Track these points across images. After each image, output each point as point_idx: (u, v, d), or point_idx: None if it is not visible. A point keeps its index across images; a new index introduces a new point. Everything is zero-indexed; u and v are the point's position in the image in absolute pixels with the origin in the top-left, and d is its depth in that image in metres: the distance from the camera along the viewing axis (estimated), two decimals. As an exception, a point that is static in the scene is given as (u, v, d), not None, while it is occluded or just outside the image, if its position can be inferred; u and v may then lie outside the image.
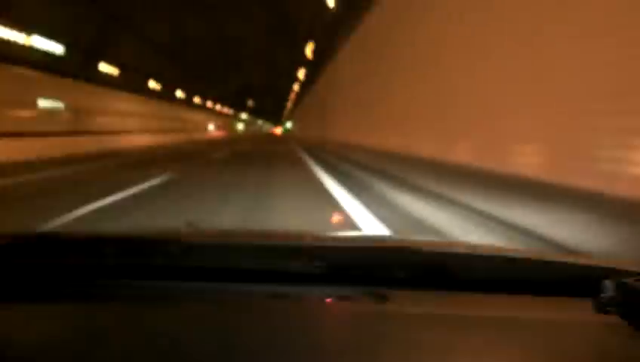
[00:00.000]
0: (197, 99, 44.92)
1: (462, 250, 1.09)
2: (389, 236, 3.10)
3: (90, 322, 0.77)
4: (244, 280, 0.90)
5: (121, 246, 0.99)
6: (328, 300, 0.86)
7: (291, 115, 65.99)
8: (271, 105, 73.04)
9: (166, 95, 33.37)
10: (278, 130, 79.47)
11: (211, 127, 52.38)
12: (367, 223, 4.59)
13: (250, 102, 67.21)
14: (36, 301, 0.84)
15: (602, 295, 0.78)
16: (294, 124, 61.12)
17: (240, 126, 79.48)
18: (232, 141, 34.80)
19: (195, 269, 0.93)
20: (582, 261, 1.02)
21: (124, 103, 25.20)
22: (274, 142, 34.85)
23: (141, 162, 13.73)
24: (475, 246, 1.35)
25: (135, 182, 7.67)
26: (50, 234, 1.33)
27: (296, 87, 45.30)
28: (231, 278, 0.91)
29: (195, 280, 0.91)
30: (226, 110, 62.70)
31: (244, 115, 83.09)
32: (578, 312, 0.82)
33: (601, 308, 0.78)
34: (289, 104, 65.28)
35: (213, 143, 30.33)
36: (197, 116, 45.73)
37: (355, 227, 4.45)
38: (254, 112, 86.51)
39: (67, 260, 0.94)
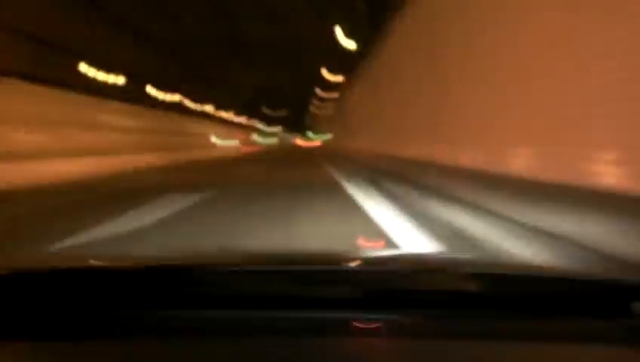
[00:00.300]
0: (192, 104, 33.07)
1: (497, 270, 1.07)
2: (427, 253, 2.92)
3: (122, 355, 0.76)
4: (280, 306, 0.88)
5: (155, 275, 0.97)
6: (373, 326, 0.84)
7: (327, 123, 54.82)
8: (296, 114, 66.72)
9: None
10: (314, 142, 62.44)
11: (216, 139, 39.08)
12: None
13: (267, 110, 62.94)
14: (57, 337, 0.83)
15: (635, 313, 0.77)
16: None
17: (259, 138, 70.18)
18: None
19: (227, 297, 0.90)
20: (611, 277, 1.03)
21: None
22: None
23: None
24: (514, 266, 1.33)
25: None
26: (67, 270, 1.04)
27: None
28: (268, 305, 0.88)
29: (231, 309, 0.87)
30: (241, 119, 53.46)
31: (271, 128, 75.96)
32: (610, 332, 0.79)
33: (631, 332, 0.77)
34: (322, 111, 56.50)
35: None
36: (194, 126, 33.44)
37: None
38: (282, 123, 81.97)
39: (91, 292, 0.91)
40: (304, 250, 2.45)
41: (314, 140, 61.69)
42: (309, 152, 36.07)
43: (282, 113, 66.66)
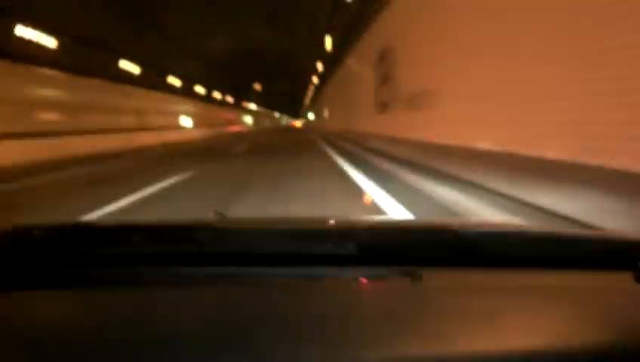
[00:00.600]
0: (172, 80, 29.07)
1: (495, 228, 1.11)
2: (417, 219, 3.05)
3: (125, 307, 0.79)
4: (276, 263, 0.91)
5: (151, 234, 1.03)
6: (362, 280, 0.87)
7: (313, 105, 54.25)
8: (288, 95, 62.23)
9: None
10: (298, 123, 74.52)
11: (185, 121, 31.50)
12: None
13: (257, 86, 54.26)
14: (67, 287, 0.87)
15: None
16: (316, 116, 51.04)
17: (248, 119, 63.18)
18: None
19: (226, 255, 0.94)
20: (617, 235, 1.07)
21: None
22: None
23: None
24: (506, 225, 1.37)
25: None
26: (83, 225, 1.12)
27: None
28: (263, 262, 0.91)
29: (227, 266, 0.91)
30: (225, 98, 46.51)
31: (252, 106, 67.00)
32: (618, 283, 0.83)
33: (637, 284, 0.80)
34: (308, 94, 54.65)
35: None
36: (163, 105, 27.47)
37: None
38: (268, 103, 75.72)
39: (99, 249, 0.97)
40: (300, 216, 2.66)
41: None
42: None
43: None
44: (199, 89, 35.87)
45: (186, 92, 32.41)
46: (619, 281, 0.83)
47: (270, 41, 34.12)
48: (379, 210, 4.36)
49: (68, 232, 1.04)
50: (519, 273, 0.88)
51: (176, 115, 30.10)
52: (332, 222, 1.08)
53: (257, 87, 51.65)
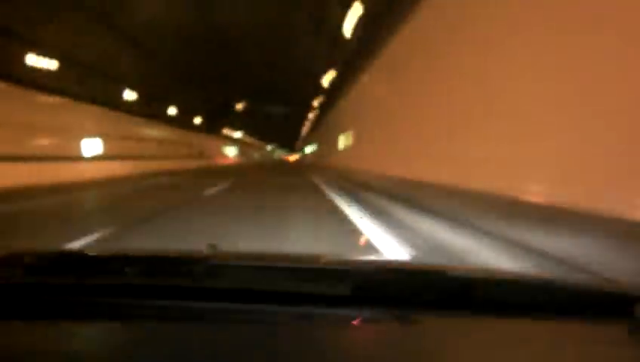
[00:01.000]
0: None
1: (487, 275, 1.09)
2: (411, 261, 3.03)
3: (113, 340, 0.79)
4: (268, 301, 0.90)
5: (146, 265, 1.01)
6: (354, 322, 0.86)
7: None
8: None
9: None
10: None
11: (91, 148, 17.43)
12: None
13: (239, 106, 40.71)
14: (60, 319, 0.86)
15: (637, 316, 0.81)
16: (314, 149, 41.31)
17: (231, 151, 50.38)
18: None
19: (219, 290, 0.93)
20: (611, 284, 1.12)
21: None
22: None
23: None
24: (498, 272, 1.39)
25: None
26: (76, 253, 1.22)
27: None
28: (255, 300, 0.91)
29: (219, 301, 0.91)
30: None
31: (237, 134, 54.06)
32: (613, 333, 0.82)
33: (632, 333, 0.79)
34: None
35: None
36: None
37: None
38: (258, 132, 63.33)
39: (92, 279, 0.95)
40: (293, 252, 2.73)
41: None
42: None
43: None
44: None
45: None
46: (613, 331, 0.82)
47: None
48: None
49: (59, 260, 1.05)
50: (511, 320, 0.87)
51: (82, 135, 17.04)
52: (326, 260, 1.09)
53: (239, 106, 39.42)
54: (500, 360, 0.73)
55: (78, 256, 1.08)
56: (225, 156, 44.78)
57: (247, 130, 54.12)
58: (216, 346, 0.74)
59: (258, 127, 53.88)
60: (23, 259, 1.01)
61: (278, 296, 0.91)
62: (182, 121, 30.30)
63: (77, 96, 15.94)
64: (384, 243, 4.45)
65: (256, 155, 67.26)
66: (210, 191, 10.87)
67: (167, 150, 26.78)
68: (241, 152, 54.06)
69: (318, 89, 27.90)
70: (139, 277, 0.96)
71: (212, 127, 38.96)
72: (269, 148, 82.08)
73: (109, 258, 1.10)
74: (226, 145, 46.90)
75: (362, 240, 4.67)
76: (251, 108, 40.65)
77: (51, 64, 14.24)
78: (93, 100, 17.37)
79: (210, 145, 39.01)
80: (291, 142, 77.91)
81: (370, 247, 4.31)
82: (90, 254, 1.11)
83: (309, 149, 48.42)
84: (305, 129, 56.40)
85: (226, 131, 45.34)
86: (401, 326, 0.82)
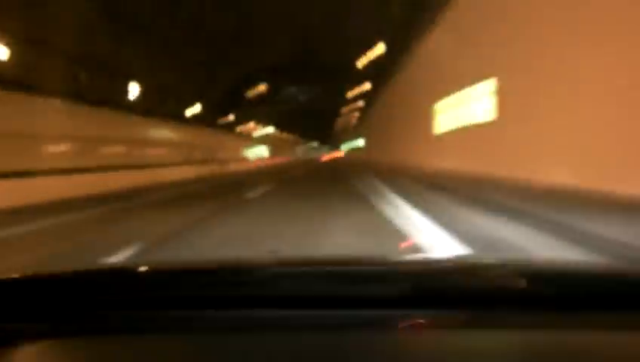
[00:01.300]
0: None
1: (547, 267, 1.04)
2: (467, 255, 2.84)
3: (184, 353, 0.79)
4: (335, 306, 0.89)
5: (200, 278, 1.00)
6: (416, 324, 0.84)
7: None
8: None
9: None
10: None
11: None
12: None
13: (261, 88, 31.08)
14: (128, 334, 0.86)
15: None
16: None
17: (253, 151, 39.12)
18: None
19: (280, 298, 0.91)
20: None
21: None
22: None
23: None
24: (564, 263, 1.32)
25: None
26: (126, 269, 1.17)
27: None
28: (321, 305, 0.89)
29: (281, 308, 0.89)
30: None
31: (268, 129, 42.60)
32: None
33: None
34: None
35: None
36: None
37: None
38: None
39: (147, 294, 0.94)
40: (344, 255, 2.57)
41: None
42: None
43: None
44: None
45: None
46: None
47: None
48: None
49: (119, 275, 1.05)
50: (593, 317, 0.82)
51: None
52: (381, 261, 1.11)
53: (262, 88, 29.13)
54: (567, 352, 0.71)
55: (127, 272, 1.07)
56: (243, 159, 34.96)
57: (270, 122, 43.03)
58: (280, 355, 0.75)
59: (283, 118, 43.41)
60: (86, 276, 1.01)
61: (345, 301, 0.88)
62: (168, 113, 20.26)
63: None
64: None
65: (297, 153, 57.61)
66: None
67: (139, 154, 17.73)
68: (271, 151, 43.77)
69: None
70: (194, 290, 0.93)
71: (223, 120, 28.93)
72: (302, 147, 71.50)
73: (167, 271, 1.07)
74: (243, 143, 36.75)
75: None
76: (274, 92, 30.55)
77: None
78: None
79: (223, 144, 29.09)
80: (327, 136, 67.96)
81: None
82: (142, 269, 1.09)
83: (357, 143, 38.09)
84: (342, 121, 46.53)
85: (241, 128, 35.11)
86: (468, 329, 0.80)
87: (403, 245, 4.13)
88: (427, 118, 13.29)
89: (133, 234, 5.07)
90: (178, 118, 21.61)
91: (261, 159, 38.52)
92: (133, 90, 17.02)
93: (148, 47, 16.90)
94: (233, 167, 26.83)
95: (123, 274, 1.05)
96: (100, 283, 0.97)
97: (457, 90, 10.49)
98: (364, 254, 2.04)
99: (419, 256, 1.69)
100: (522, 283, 0.87)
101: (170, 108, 20.34)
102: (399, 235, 4.52)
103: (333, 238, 4.40)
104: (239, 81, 26.59)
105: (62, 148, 12.64)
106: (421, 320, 0.84)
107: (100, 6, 13.39)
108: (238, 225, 5.60)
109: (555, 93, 6.24)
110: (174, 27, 17.36)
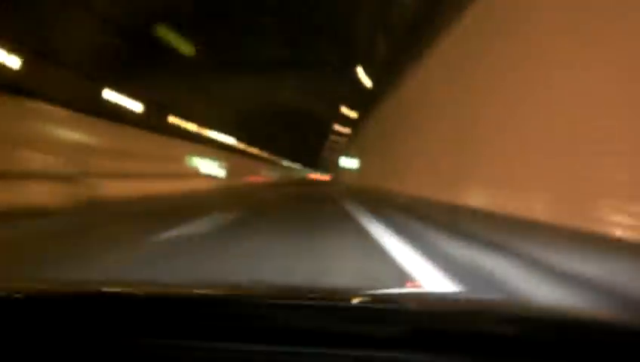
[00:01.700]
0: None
1: (558, 315, 1.00)
2: (468, 294, 2.73)
3: None
4: (321, 343, 0.84)
5: (185, 306, 0.96)
6: None
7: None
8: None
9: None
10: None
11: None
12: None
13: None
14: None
15: None
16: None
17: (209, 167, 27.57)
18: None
19: (265, 330, 0.86)
20: None
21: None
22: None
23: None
24: (572, 311, 1.25)
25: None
26: (92, 292, 1.06)
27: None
28: (305, 341, 0.84)
29: (267, 343, 0.83)
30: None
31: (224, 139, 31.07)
32: None
33: None
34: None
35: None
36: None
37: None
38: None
39: (130, 320, 0.89)
40: (338, 286, 2.53)
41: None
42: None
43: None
44: None
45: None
46: None
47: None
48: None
49: (70, 299, 0.98)
50: None
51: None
52: (379, 295, 1.05)
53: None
54: None
55: (117, 296, 1.02)
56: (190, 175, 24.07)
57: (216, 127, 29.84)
58: None
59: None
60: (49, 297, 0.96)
61: (332, 338, 0.83)
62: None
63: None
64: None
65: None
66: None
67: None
68: (231, 172, 32.87)
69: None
70: (177, 317, 0.88)
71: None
72: (282, 164, 61.94)
73: (145, 298, 1.02)
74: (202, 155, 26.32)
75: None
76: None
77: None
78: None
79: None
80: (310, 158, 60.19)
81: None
82: (117, 292, 1.06)
83: (346, 164, 28.60)
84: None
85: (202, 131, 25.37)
86: None
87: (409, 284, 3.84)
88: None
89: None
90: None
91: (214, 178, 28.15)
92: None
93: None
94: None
95: (86, 299, 0.98)
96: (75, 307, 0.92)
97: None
98: (356, 287, 1.81)
99: (419, 292, 1.60)
100: (527, 328, 0.83)
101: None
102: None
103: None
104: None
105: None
106: None
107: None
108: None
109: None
110: None
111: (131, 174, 16.15)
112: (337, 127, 34.99)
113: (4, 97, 10.43)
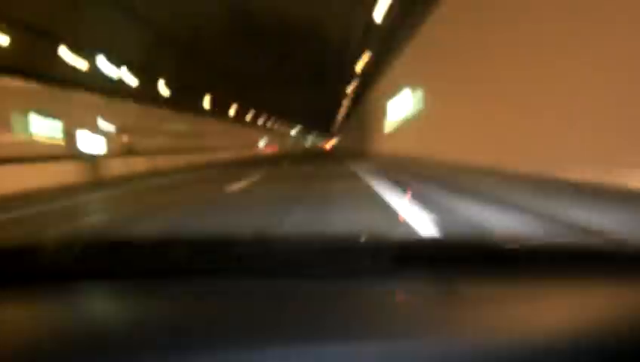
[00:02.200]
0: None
1: (530, 242, 1.09)
2: (448, 233, 3.16)
3: (166, 307, 0.85)
4: (314, 277, 0.93)
5: (189, 249, 1.06)
6: (398, 292, 0.90)
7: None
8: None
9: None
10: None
11: None
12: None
13: None
14: (105, 298, 0.92)
15: None
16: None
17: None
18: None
19: (264, 269, 0.97)
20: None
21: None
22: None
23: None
24: (540, 238, 1.31)
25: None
26: (118, 241, 1.22)
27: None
28: (301, 276, 0.94)
29: (263, 279, 0.94)
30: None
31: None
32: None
33: None
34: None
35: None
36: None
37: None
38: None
39: (139, 264, 1.01)
40: (331, 232, 2.68)
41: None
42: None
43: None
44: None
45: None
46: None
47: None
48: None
49: (105, 247, 1.11)
50: (551, 285, 0.88)
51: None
52: (367, 236, 1.14)
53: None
54: (547, 310, 0.77)
55: (122, 244, 1.12)
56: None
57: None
58: (264, 311, 0.79)
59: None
60: (72, 247, 1.06)
61: (322, 272, 0.93)
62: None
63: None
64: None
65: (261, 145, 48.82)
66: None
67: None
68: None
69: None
70: (184, 260, 0.99)
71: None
72: (293, 133, 66.87)
73: (154, 242, 1.14)
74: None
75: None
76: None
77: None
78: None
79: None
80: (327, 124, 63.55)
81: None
82: (135, 241, 1.17)
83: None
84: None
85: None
86: (447, 296, 0.84)
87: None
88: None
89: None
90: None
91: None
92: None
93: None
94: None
95: (111, 246, 1.09)
96: (85, 252, 1.03)
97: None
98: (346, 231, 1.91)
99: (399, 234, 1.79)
100: (500, 257, 0.95)
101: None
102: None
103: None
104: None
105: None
106: (401, 291, 0.89)
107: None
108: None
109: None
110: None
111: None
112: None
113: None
